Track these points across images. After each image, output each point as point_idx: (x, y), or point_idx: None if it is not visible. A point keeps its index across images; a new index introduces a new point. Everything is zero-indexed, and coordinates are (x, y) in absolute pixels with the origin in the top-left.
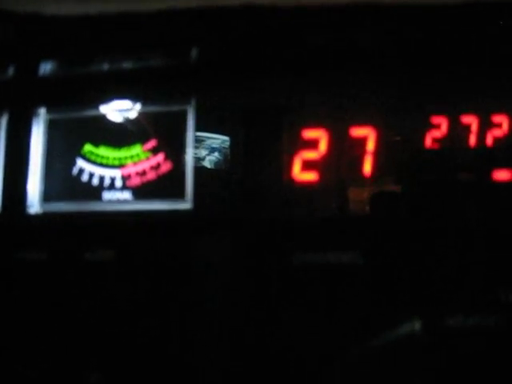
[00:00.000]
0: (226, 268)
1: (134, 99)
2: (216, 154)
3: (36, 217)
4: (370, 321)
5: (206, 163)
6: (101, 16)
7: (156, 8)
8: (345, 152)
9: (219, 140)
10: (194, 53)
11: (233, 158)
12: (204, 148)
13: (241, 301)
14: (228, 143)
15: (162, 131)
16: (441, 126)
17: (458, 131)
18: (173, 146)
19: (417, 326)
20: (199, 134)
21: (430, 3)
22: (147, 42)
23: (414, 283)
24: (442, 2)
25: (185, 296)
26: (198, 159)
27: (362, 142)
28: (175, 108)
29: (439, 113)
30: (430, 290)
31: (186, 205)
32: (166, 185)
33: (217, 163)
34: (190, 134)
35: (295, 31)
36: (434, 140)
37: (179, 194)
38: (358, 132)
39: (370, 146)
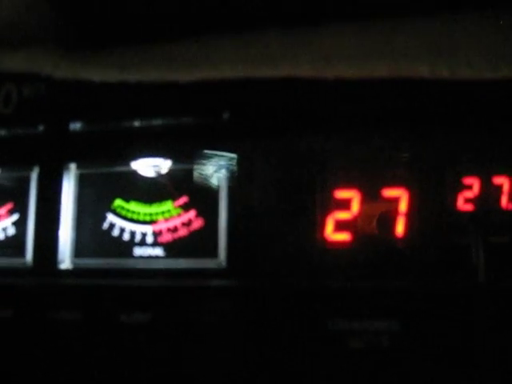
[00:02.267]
0: (259, 329)
1: (165, 156)
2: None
3: (67, 272)
4: None
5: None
6: (138, 83)
7: (190, 78)
8: (377, 212)
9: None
10: (226, 114)
11: (266, 217)
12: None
13: (272, 364)
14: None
15: (193, 188)
16: (473, 186)
17: (490, 192)
18: (205, 203)
19: None
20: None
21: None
22: (178, 106)
23: (454, 352)
24: (477, 78)
25: (220, 357)
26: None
27: (395, 202)
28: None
29: (471, 174)
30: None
31: (218, 263)
32: (198, 242)
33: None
34: (223, 192)
35: (329, 100)
36: (466, 200)
37: (212, 252)
38: (390, 193)
39: (403, 206)
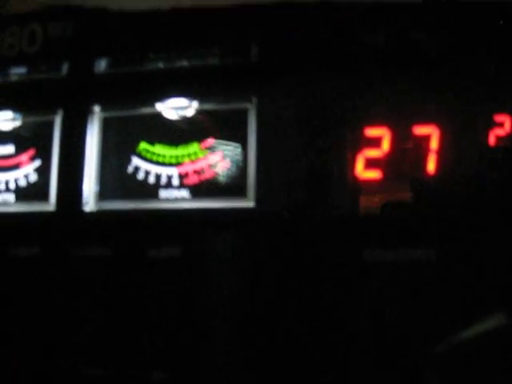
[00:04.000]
0: (292, 266)
1: (191, 97)
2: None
3: (91, 214)
4: (450, 318)
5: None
6: (158, 12)
7: (218, 4)
8: (408, 150)
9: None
10: (254, 51)
11: (296, 156)
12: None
13: (308, 298)
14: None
15: (220, 129)
16: (504, 124)
17: None
18: (232, 144)
19: (502, 319)
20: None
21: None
22: (206, 40)
23: (492, 279)
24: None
25: (250, 293)
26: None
27: (426, 140)
28: (235, 106)
29: (502, 111)
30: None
31: (247, 203)
32: (226, 183)
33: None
34: (252, 133)
35: (359, 29)
36: (498, 138)
37: (240, 193)
38: (421, 130)
39: (434, 144)
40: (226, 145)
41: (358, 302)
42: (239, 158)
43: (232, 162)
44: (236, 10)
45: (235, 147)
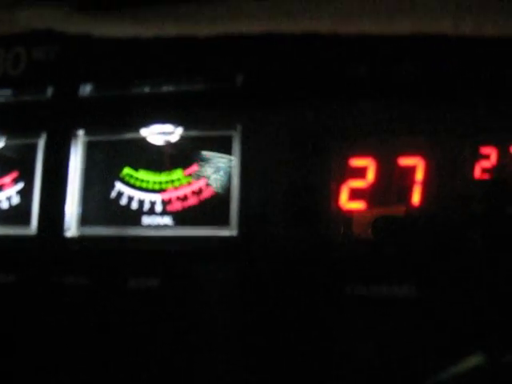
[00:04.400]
0: (273, 297)
1: (176, 123)
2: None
3: (73, 240)
4: (430, 356)
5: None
6: (145, 40)
7: (207, 33)
8: (393, 181)
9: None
10: (239, 78)
11: (279, 184)
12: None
13: (289, 330)
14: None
15: (204, 156)
16: (490, 156)
17: (507, 161)
18: (216, 171)
19: (480, 360)
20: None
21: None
22: (191, 67)
23: (472, 317)
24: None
25: (230, 325)
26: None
27: (411, 171)
28: (219, 133)
29: (488, 143)
30: (490, 323)
31: (230, 231)
32: (209, 211)
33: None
34: (236, 160)
35: (344, 60)
36: (484, 170)
37: (223, 221)
38: (406, 161)
39: (419, 175)
40: (210, 172)
41: (338, 336)
42: (223, 185)
43: (216, 189)
44: (222, 39)
45: (219, 174)
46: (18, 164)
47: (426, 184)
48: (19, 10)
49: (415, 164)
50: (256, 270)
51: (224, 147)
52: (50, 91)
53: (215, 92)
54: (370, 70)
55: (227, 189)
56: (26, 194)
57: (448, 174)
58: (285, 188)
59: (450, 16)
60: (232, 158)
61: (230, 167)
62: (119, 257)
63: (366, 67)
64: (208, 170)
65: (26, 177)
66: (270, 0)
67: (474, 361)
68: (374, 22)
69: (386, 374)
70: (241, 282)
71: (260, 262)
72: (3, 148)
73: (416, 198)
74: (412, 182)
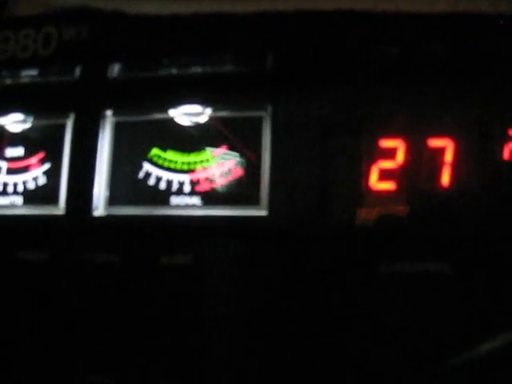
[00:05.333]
0: (305, 277)
1: (205, 104)
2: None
3: (101, 219)
4: (463, 333)
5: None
6: (175, 17)
7: (235, 10)
8: (422, 162)
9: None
10: (269, 58)
11: (309, 165)
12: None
13: (323, 309)
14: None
15: (233, 137)
16: None
17: None
18: (245, 152)
19: None
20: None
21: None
22: (222, 46)
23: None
24: None
25: (260, 303)
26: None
27: (440, 152)
28: (249, 114)
29: None
30: None
31: (260, 211)
32: (238, 191)
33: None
34: (266, 141)
35: (375, 39)
36: None
37: (253, 201)
38: (435, 143)
39: (448, 157)
40: (240, 152)
41: (372, 316)
42: (253, 166)
43: (245, 169)
44: (252, 17)
45: (249, 155)
46: (44, 144)
47: (456, 165)
48: None
49: (445, 145)
50: (286, 250)
51: (254, 128)
52: (79, 71)
53: (245, 73)
54: (402, 49)
55: (257, 170)
56: (53, 174)
57: (477, 155)
58: (315, 169)
59: None
60: (262, 138)
61: (259, 148)
62: (147, 236)
63: (397, 46)
64: (237, 151)
65: (53, 157)
66: None
67: (508, 337)
68: (409, 1)
69: (421, 349)
70: (270, 262)
71: (290, 241)
72: (30, 128)
73: (446, 178)
74: (442, 163)
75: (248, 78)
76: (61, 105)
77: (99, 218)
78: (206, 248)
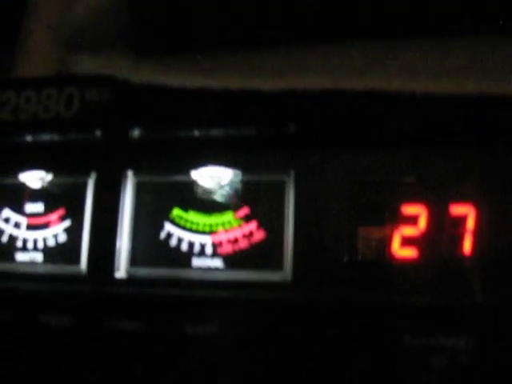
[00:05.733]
0: (330, 347)
1: (227, 166)
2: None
3: (122, 281)
4: None
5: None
6: (202, 90)
7: (274, 86)
8: (445, 229)
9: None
10: (292, 125)
11: (333, 230)
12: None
13: (345, 380)
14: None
15: (256, 200)
16: None
17: None
18: (268, 215)
19: None
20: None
21: None
22: (243, 116)
23: None
24: None
25: (285, 373)
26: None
27: (462, 219)
28: (273, 178)
29: None
30: None
31: (284, 276)
32: (261, 254)
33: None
34: (290, 205)
35: (394, 117)
36: None
37: (276, 265)
38: (458, 210)
39: (470, 224)
40: (262, 215)
41: None
42: (276, 228)
43: (267, 232)
44: (275, 95)
45: (272, 218)
46: (65, 201)
47: (478, 233)
48: (84, 55)
49: (466, 213)
50: (311, 318)
51: (277, 192)
52: (100, 132)
53: (268, 137)
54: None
55: (280, 233)
56: (76, 231)
57: (499, 222)
58: (338, 233)
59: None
60: (285, 202)
61: (282, 211)
62: (174, 302)
63: (418, 122)
64: (260, 214)
65: (77, 215)
66: (334, 55)
67: None
68: (437, 82)
69: None
70: (294, 330)
71: (315, 308)
72: (51, 185)
73: (467, 246)
74: (463, 231)
75: (271, 141)
76: (83, 164)
77: (121, 280)
78: (229, 317)
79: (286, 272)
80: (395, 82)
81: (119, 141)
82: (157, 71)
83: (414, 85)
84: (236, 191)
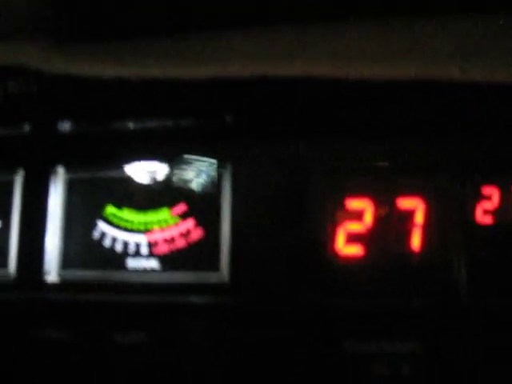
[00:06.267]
0: (266, 352)
1: (162, 160)
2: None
3: (53, 285)
4: None
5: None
6: (132, 79)
7: (197, 75)
8: (391, 225)
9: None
10: (229, 116)
11: (273, 227)
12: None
13: None
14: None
15: (192, 195)
16: (492, 197)
17: (510, 203)
18: (205, 212)
19: None
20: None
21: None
22: (178, 106)
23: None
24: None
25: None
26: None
27: (410, 214)
28: (209, 172)
29: (490, 183)
30: None
31: (220, 278)
32: (198, 254)
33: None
34: (226, 200)
35: (345, 102)
36: (486, 212)
37: (213, 266)
38: (405, 203)
39: (419, 218)
40: (199, 212)
41: None
42: (213, 226)
43: (205, 231)
44: (208, 82)
45: (208, 215)
46: None
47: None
48: None
49: (415, 206)
50: (248, 322)
51: (213, 187)
52: (27, 127)
53: (204, 129)
54: (367, 112)
55: (217, 230)
56: (2, 233)
57: (449, 216)
58: (278, 231)
59: (457, 61)
60: (221, 197)
61: (219, 207)
62: (104, 307)
63: (363, 110)
64: (197, 211)
65: (3, 215)
66: (261, 41)
67: None
68: (376, 66)
69: None
70: (231, 335)
71: (253, 312)
72: None
73: (416, 242)
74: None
75: (207, 134)
76: (9, 160)
77: (51, 284)
78: (160, 324)
79: (223, 273)
80: (329, 66)
81: (47, 135)
82: (73, 60)
83: (347, 69)
84: (172, 187)
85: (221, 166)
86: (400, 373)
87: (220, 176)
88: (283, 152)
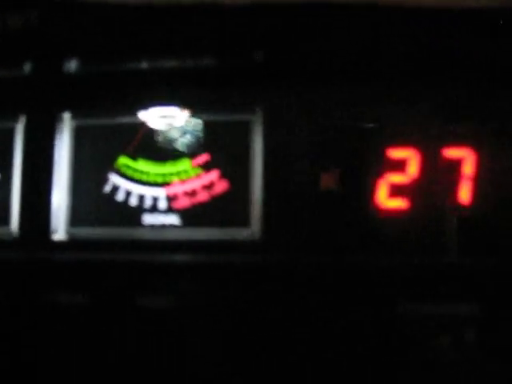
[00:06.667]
0: (306, 316)
1: (181, 105)
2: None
3: (61, 244)
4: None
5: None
6: (144, 5)
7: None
8: (438, 176)
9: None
10: (259, 53)
11: (309, 179)
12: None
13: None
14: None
15: (216, 144)
16: None
17: None
18: (231, 162)
19: None
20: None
21: None
22: (200, 40)
23: None
24: None
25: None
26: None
27: (457, 164)
28: (236, 118)
29: None
30: None
31: (251, 234)
32: (224, 209)
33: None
34: (257, 149)
35: (382, 36)
36: None
37: (242, 221)
38: (452, 153)
39: (467, 169)
40: (224, 162)
41: (384, 357)
42: (241, 178)
43: (231, 183)
44: (241, 10)
45: (236, 165)
46: None
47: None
48: None
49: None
50: (283, 284)
51: (240, 134)
52: (29, 66)
53: (230, 68)
54: (410, 47)
55: (246, 183)
56: (3, 187)
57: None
58: (315, 184)
59: None
60: (251, 147)
61: (248, 158)
62: (121, 267)
63: (404, 44)
64: (222, 161)
65: (4, 167)
66: None
67: None
68: None
69: None
70: (263, 300)
71: (288, 273)
72: None
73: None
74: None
75: (234, 73)
76: (9, 105)
77: (59, 243)
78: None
79: (254, 229)
80: None
81: (51, 76)
82: None
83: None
84: (193, 134)
85: (250, 112)
86: (457, 336)
87: (249, 123)
88: (322, 98)
